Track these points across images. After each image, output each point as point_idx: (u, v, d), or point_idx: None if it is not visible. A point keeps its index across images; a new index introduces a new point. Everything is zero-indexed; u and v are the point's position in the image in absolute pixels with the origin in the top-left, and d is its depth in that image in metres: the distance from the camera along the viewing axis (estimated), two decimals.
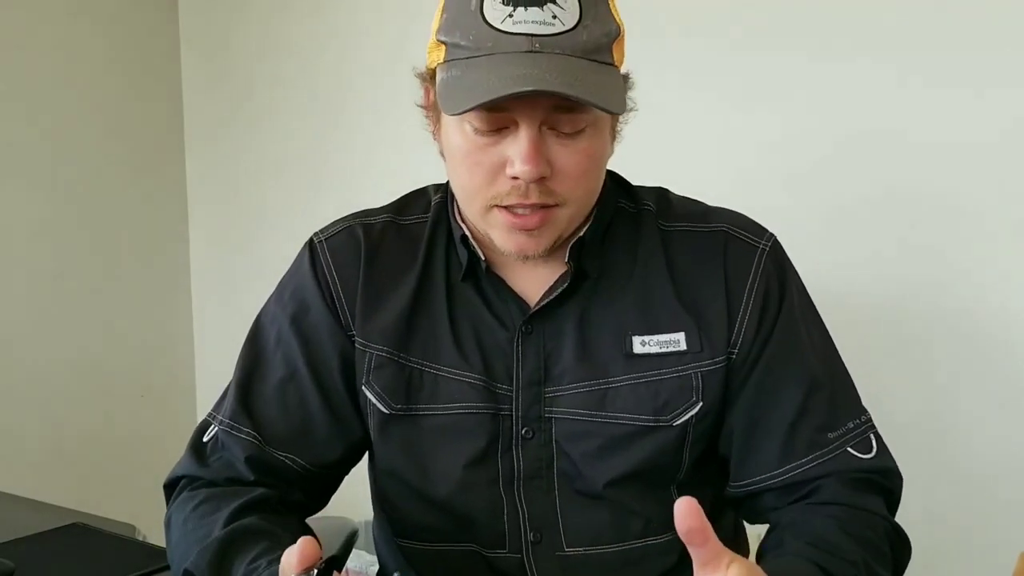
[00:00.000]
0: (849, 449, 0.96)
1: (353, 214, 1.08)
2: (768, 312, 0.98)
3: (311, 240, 1.06)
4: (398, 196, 1.11)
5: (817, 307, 1.06)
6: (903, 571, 0.97)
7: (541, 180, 0.89)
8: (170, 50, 2.69)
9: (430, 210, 1.05)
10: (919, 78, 1.65)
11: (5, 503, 1.47)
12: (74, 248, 2.51)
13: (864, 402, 1.03)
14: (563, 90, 0.82)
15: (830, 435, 0.97)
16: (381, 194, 1.15)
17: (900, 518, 0.99)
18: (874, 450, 0.98)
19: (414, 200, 1.08)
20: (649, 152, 1.36)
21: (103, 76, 2.55)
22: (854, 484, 0.96)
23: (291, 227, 2.53)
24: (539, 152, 0.87)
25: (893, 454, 1.01)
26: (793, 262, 1.05)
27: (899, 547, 0.96)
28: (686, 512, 0.68)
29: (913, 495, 1.72)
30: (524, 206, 0.90)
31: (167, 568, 1.13)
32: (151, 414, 2.65)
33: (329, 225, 1.07)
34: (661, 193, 1.07)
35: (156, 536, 1.36)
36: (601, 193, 0.99)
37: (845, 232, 1.76)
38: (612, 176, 1.05)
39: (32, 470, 2.32)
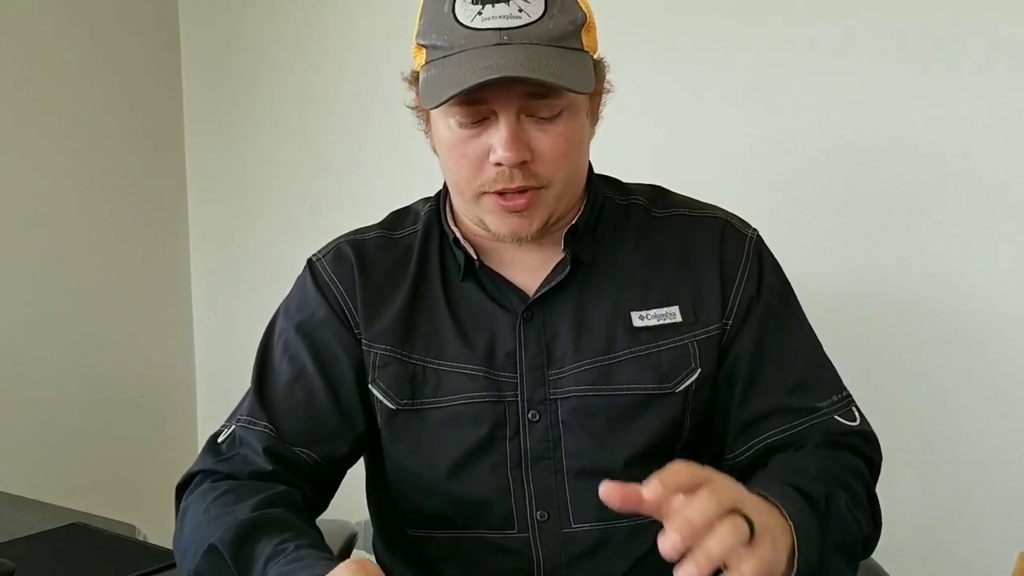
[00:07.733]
0: (836, 416, 1.02)
1: (344, 234, 1.14)
2: (760, 290, 1.05)
3: (309, 260, 1.12)
4: (397, 194, 1.16)
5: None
6: (871, 534, 0.99)
7: (523, 164, 0.95)
8: (170, 50, 2.69)
9: (420, 221, 1.11)
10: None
11: (5, 503, 1.48)
12: (74, 248, 2.51)
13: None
14: (528, 74, 0.89)
15: (818, 404, 1.02)
16: (381, 193, 1.18)
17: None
18: (857, 420, 1.04)
19: (403, 216, 1.14)
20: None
21: (103, 77, 2.54)
22: (836, 446, 1.00)
23: (291, 227, 2.54)
24: (518, 138, 0.94)
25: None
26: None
27: (872, 508, 0.99)
28: (607, 497, 0.71)
29: (913, 494, 1.73)
30: (510, 190, 0.96)
31: (167, 568, 1.14)
32: (151, 415, 2.65)
33: (324, 246, 1.13)
34: (655, 188, 1.13)
35: (156, 536, 1.36)
36: (591, 186, 1.06)
37: (828, 234, 1.76)
38: (603, 176, 1.11)
39: (32, 470, 2.32)
